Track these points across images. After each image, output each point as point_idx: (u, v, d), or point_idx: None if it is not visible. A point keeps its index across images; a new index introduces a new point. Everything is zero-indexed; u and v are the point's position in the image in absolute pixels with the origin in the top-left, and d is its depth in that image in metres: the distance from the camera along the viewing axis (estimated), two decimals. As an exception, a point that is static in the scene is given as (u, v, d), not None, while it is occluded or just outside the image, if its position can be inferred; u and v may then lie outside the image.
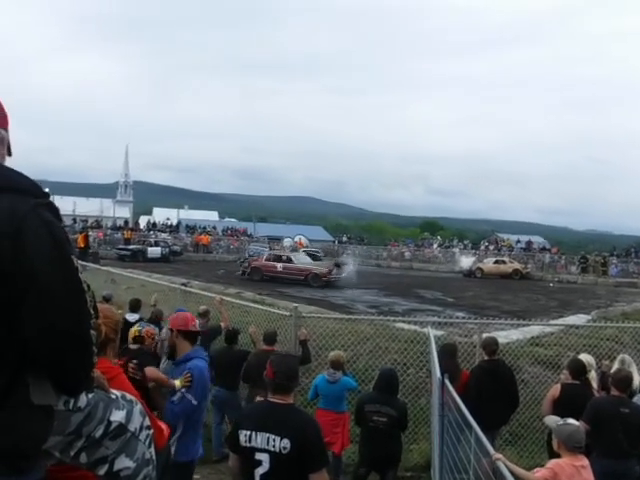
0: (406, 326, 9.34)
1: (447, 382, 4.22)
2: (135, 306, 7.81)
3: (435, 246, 47.21)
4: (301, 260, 24.90)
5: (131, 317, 7.04)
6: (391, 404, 5.35)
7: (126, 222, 54.85)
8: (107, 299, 7.84)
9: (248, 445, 3.00)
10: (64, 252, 1.47)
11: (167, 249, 32.62)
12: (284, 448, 2.91)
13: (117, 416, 1.81)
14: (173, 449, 3.77)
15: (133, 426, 1.86)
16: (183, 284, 11.43)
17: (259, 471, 2.96)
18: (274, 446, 2.93)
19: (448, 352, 6.35)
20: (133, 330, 4.59)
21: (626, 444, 4.66)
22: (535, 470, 3.87)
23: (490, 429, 5.37)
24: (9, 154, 1.62)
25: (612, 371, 5.47)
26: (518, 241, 49.96)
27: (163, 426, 2.52)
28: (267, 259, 24.77)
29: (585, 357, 5.88)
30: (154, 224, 48.57)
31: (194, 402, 3.99)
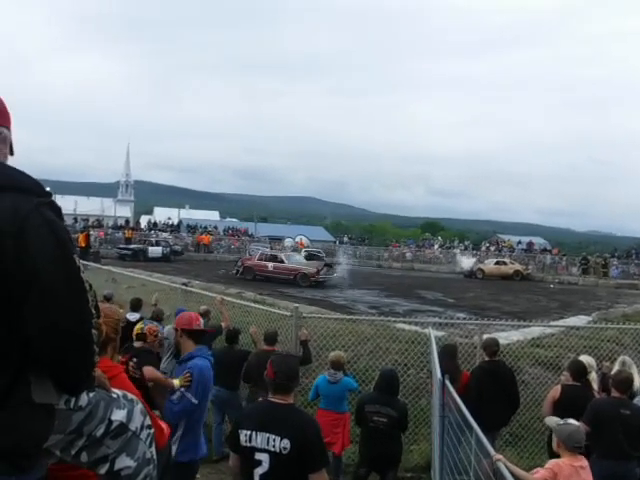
0: (407, 327, 9.33)
1: (448, 383, 4.22)
2: (136, 305, 7.82)
3: (436, 247, 47.18)
4: (292, 260, 24.95)
5: (132, 316, 7.05)
6: (391, 405, 5.35)
7: (127, 221, 54.90)
8: (108, 298, 7.86)
9: (248, 445, 3.00)
10: (66, 251, 1.47)
11: (168, 249, 32.62)
12: (284, 448, 2.91)
13: (118, 415, 1.81)
14: (174, 448, 3.76)
15: (134, 425, 1.87)
16: (184, 284, 11.43)
17: (259, 471, 2.96)
18: (274, 446, 2.93)
19: (449, 353, 6.35)
20: (136, 327, 4.60)
21: (626, 445, 4.65)
22: (534, 471, 3.87)
23: (490, 430, 5.37)
24: (11, 153, 1.63)
25: (613, 372, 5.47)
26: (519, 242, 49.95)
27: (164, 425, 2.51)
28: (259, 258, 24.91)
29: (586, 358, 5.87)
30: (155, 224, 48.56)
31: (194, 401, 3.98)
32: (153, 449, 1.96)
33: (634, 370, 5.62)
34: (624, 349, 8.10)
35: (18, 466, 1.46)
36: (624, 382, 4.90)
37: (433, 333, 6.53)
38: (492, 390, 5.91)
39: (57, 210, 1.51)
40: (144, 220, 58.56)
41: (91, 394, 1.72)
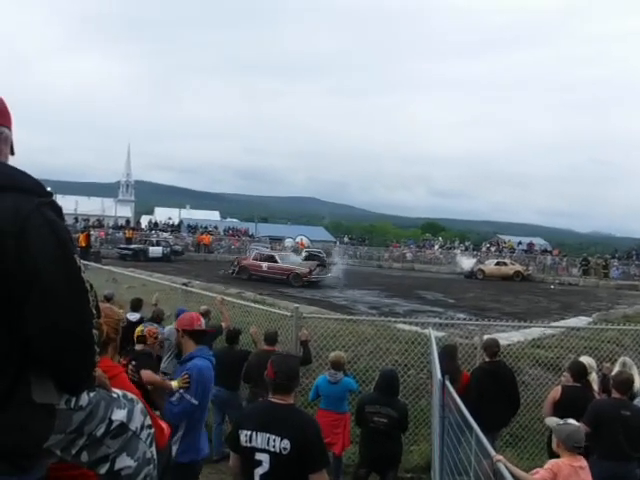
0: (407, 327, 9.33)
1: (448, 383, 4.22)
2: (136, 305, 7.83)
3: (436, 247, 47.18)
4: (286, 260, 25.01)
5: (132, 316, 7.06)
6: (392, 405, 5.35)
7: (128, 221, 54.98)
8: (108, 298, 7.86)
9: (248, 445, 3.00)
10: (67, 251, 1.47)
11: (168, 249, 32.63)
12: (284, 448, 2.91)
13: (118, 415, 1.81)
14: (175, 449, 3.76)
15: (134, 425, 1.87)
16: (184, 284, 11.44)
17: (259, 471, 2.96)
18: (274, 446, 2.93)
19: (449, 353, 6.35)
20: (137, 330, 4.60)
21: (627, 446, 4.65)
22: (534, 471, 3.88)
23: (491, 431, 5.37)
24: (12, 153, 1.63)
25: (613, 373, 5.47)
26: (519, 243, 49.92)
27: (164, 425, 2.51)
28: (254, 258, 24.99)
29: (586, 359, 5.87)
30: (156, 224, 48.57)
31: (194, 402, 3.96)
32: (153, 449, 1.96)
33: (634, 371, 5.62)
34: (624, 350, 8.10)
35: (19, 466, 1.46)
36: (625, 383, 4.90)
37: (433, 334, 6.52)
38: (492, 391, 5.91)
39: (58, 210, 1.52)
40: (145, 220, 58.57)
41: (92, 394, 1.72)
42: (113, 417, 1.79)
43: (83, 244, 25.74)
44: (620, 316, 15.11)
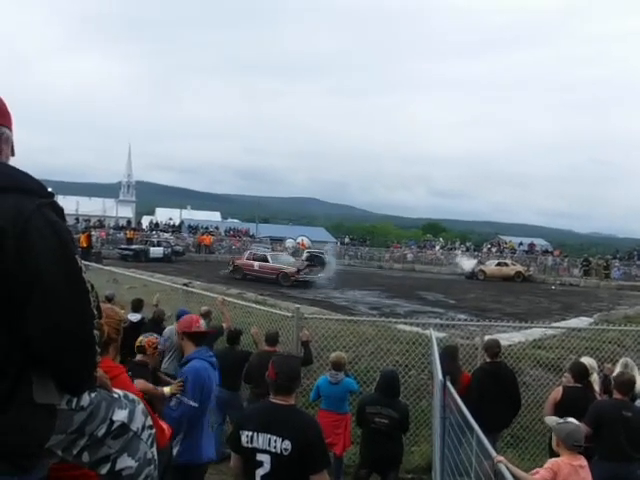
0: (408, 328, 9.33)
1: (449, 384, 4.21)
2: (137, 306, 7.83)
3: (437, 248, 47.16)
4: (278, 260, 25.12)
5: (133, 317, 7.06)
6: (392, 406, 5.35)
7: (129, 222, 55.04)
8: (109, 299, 7.86)
9: (249, 446, 2.99)
10: (69, 252, 1.47)
11: (169, 249, 32.66)
12: (285, 449, 2.90)
13: (119, 415, 1.81)
14: (176, 450, 3.75)
15: (135, 425, 1.86)
16: (185, 284, 11.45)
17: (260, 472, 2.96)
18: (275, 447, 2.92)
19: (450, 354, 6.35)
20: (138, 340, 4.58)
21: (628, 447, 4.64)
22: (534, 471, 3.87)
23: (492, 431, 5.36)
24: (12, 154, 1.63)
25: (614, 374, 5.46)
26: (520, 243, 49.89)
27: (165, 426, 2.52)
28: (248, 258, 25.17)
29: (587, 360, 5.86)
30: (156, 224, 48.61)
31: (193, 404, 3.94)
32: (154, 449, 1.96)
33: (636, 372, 5.62)
34: (626, 351, 8.09)
35: (20, 466, 1.46)
36: (626, 384, 4.89)
37: (434, 334, 6.52)
38: (493, 391, 5.90)
39: (59, 211, 1.52)
40: (146, 221, 58.63)
41: (93, 394, 1.72)
42: (114, 417, 1.79)
43: (84, 245, 25.74)
44: (621, 317, 15.11)
